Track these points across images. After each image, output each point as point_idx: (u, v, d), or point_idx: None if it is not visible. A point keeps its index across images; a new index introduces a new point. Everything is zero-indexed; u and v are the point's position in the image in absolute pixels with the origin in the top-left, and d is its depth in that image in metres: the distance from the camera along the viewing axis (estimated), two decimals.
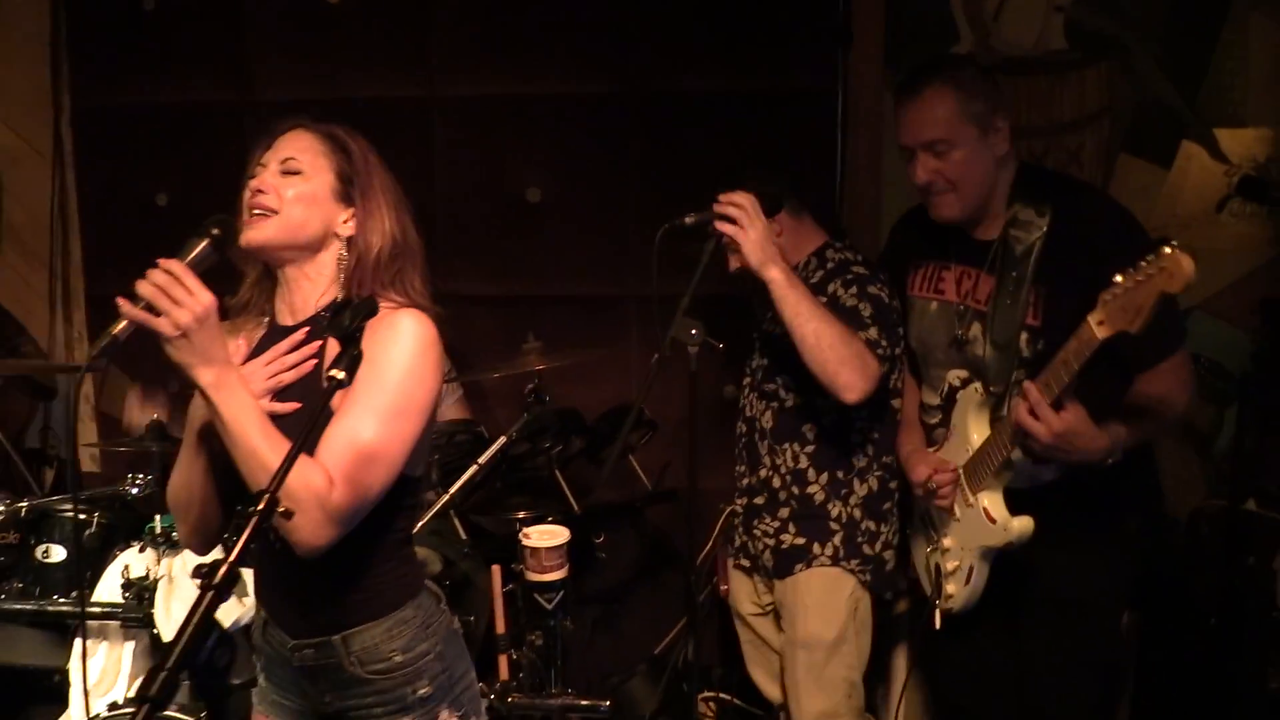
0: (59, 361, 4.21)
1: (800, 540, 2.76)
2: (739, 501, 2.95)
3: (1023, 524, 2.31)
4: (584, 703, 2.87)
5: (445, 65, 3.90)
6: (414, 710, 1.86)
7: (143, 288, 1.68)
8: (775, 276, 2.44)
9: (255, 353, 1.91)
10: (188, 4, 3.96)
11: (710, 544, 3.48)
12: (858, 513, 2.75)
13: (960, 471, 2.44)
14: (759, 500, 2.85)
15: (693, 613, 2.76)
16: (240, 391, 1.71)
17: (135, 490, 2.78)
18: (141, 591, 2.65)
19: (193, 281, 1.68)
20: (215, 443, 1.80)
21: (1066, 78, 3.60)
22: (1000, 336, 2.40)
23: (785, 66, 3.74)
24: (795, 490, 2.77)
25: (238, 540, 1.42)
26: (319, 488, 1.67)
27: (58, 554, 2.90)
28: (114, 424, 4.20)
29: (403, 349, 1.79)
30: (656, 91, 3.81)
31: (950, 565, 2.48)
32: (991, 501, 2.36)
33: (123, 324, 1.68)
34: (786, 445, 2.78)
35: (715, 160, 3.76)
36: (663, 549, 3.64)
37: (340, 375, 1.63)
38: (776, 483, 2.80)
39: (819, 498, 2.75)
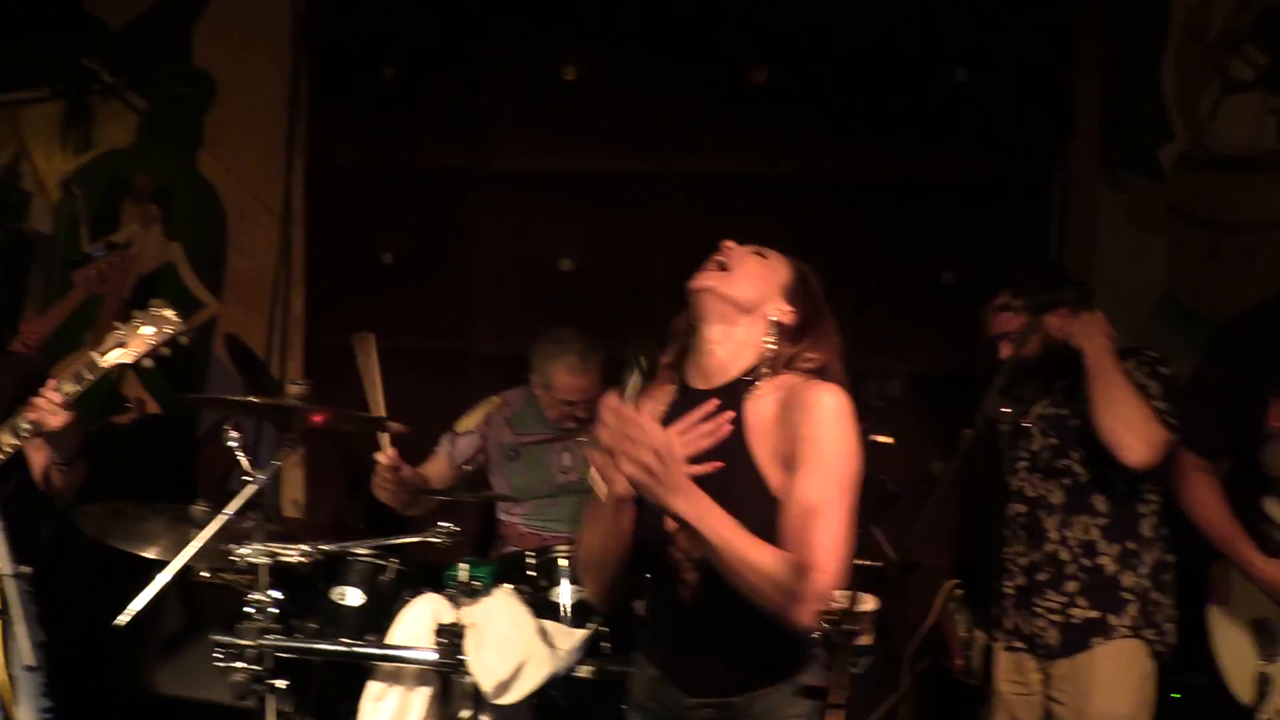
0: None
1: (1093, 613, 2.87)
2: (1012, 583, 3.03)
3: None
4: None
5: (668, 144, 4.08)
6: None
7: (604, 435, 1.80)
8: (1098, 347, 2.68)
9: (670, 415, 1.99)
10: (428, 74, 4.17)
11: (933, 618, 3.56)
12: (1147, 583, 2.88)
13: None
14: (1041, 576, 2.95)
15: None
16: (715, 511, 1.78)
17: (440, 539, 2.90)
18: (454, 638, 2.76)
19: (645, 421, 1.79)
20: (628, 511, 1.92)
21: (1278, 177, 3.76)
22: None
23: (1003, 157, 3.90)
24: (1085, 562, 2.89)
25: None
26: (822, 585, 1.73)
27: (353, 597, 3.01)
28: (325, 471, 4.35)
29: (841, 428, 1.88)
30: (873, 177, 3.98)
31: None
32: None
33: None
34: (1077, 518, 2.91)
35: (933, 243, 3.97)
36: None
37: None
38: (1065, 556, 2.92)
39: (1110, 569, 2.88)
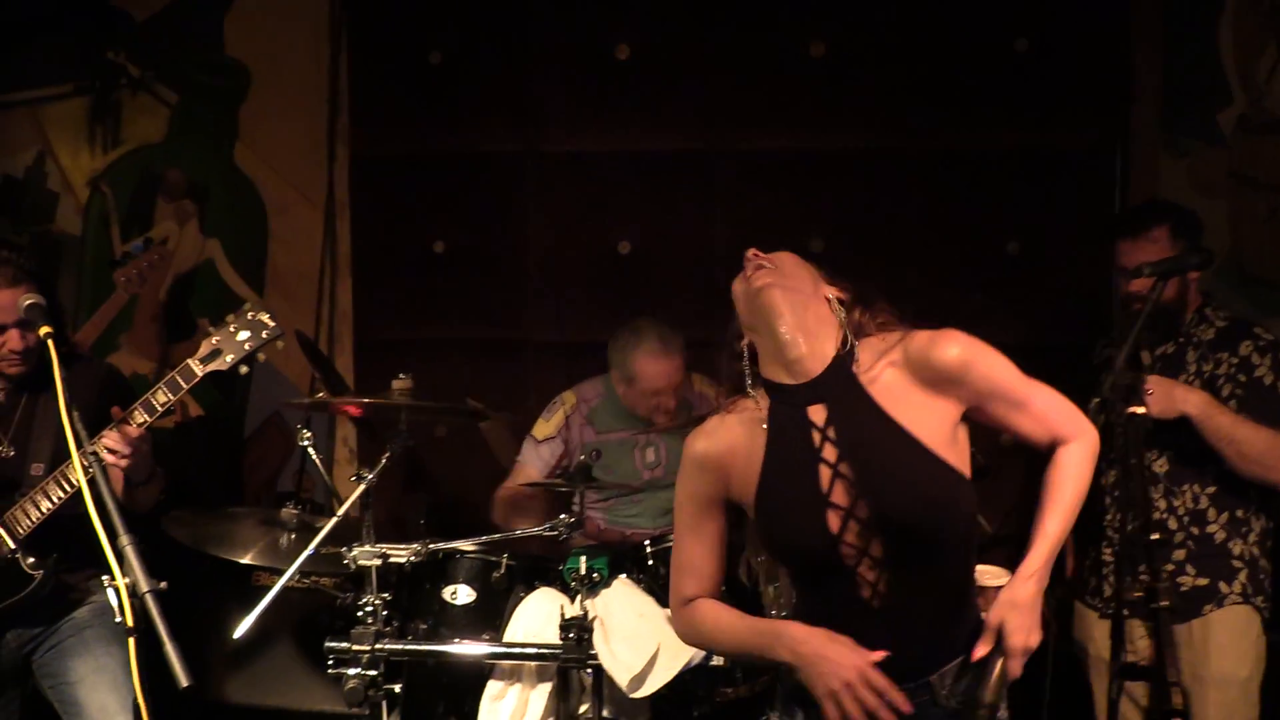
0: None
1: (1202, 580, 2.88)
2: (1112, 550, 3.01)
3: None
4: None
5: (727, 121, 4.03)
6: None
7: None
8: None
9: (776, 419, 1.93)
10: (476, 56, 4.07)
11: None
12: (1256, 550, 2.89)
13: None
14: (1147, 545, 2.95)
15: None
16: (1037, 564, 1.91)
17: (558, 533, 2.83)
18: (582, 632, 2.70)
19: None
20: None
21: None
22: None
23: (1064, 125, 3.91)
24: (1194, 531, 2.90)
25: None
26: (1092, 436, 1.97)
27: (464, 595, 2.94)
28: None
29: (978, 345, 1.92)
30: (936, 148, 3.96)
31: None
32: None
33: None
34: (1186, 487, 2.91)
35: (995, 213, 3.97)
36: None
37: None
38: (1173, 524, 2.92)
39: (1219, 537, 2.88)
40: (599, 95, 4.04)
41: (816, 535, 1.85)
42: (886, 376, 1.89)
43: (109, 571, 2.99)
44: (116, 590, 2.10)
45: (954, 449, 1.89)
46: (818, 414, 1.88)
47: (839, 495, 1.85)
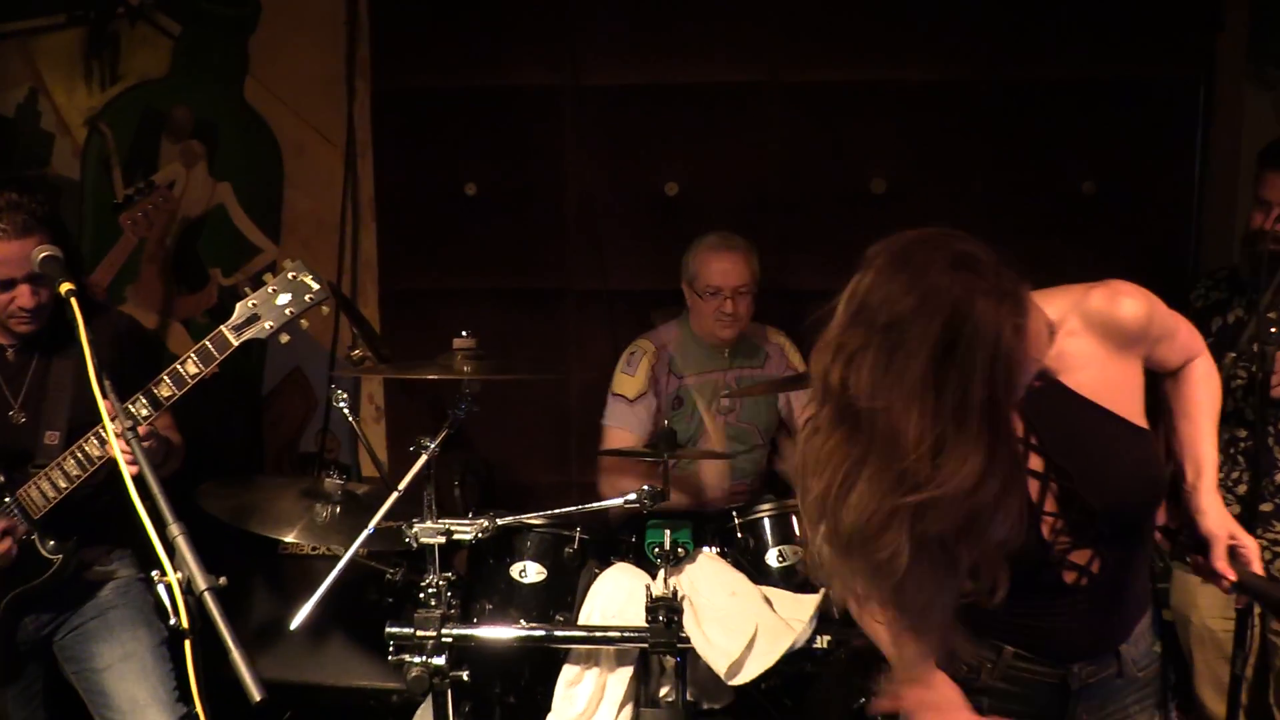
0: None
1: None
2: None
3: None
4: None
5: (785, 50, 3.74)
6: (1164, 697, 1.87)
7: None
8: None
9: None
10: None
11: None
12: None
13: None
14: (1266, 507, 2.77)
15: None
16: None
17: (641, 504, 2.57)
18: (672, 614, 2.46)
19: None
20: None
21: None
22: None
23: (1146, 55, 3.65)
24: None
25: None
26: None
27: (533, 573, 2.70)
28: (402, 424, 3.99)
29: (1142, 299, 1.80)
30: (1010, 79, 3.70)
31: None
32: None
33: None
34: None
35: (1069, 150, 3.72)
36: None
37: None
38: None
39: None
40: (643, 22, 3.73)
41: (1030, 547, 1.69)
42: (1071, 350, 1.70)
43: (143, 556, 2.72)
44: (169, 588, 1.85)
45: (1141, 405, 1.75)
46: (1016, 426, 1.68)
47: (1050, 503, 1.69)
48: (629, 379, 3.28)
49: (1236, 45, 3.63)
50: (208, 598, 1.81)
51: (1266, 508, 2.80)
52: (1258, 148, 3.58)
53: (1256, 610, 2.62)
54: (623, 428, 3.27)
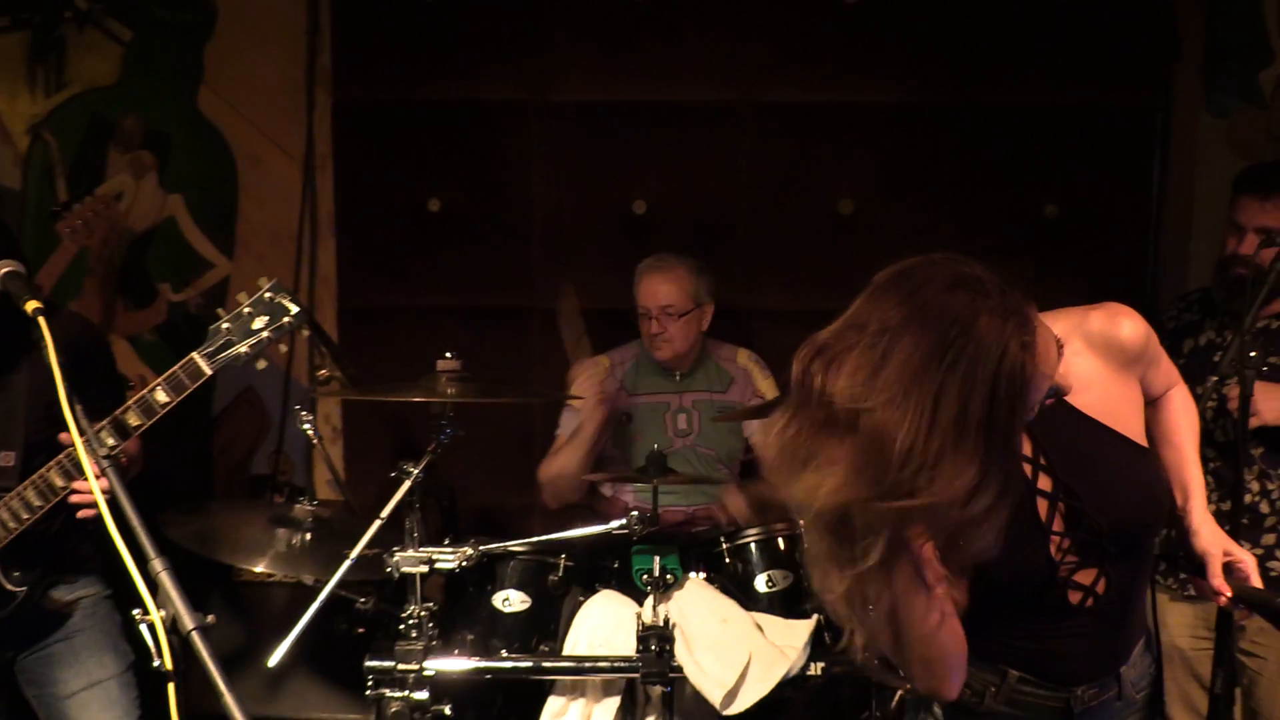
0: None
1: None
2: None
3: None
4: None
5: (755, 70, 3.73)
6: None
7: None
8: None
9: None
10: None
11: None
12: None
13: None
14: (1232, 527, 2.81)
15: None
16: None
17: (628, 530, 2.53)
18: (664, 642, 2.42)
19: None
20: None
21: None
22: None
23: (1104, 83, 3.71)
24: None
25: None
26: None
27: (518, 601, 2.64)
28: (361, 444, 3.89)
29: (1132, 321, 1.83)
30: (970, 103, 3.74)
31: None
32: None
33: None
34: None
35: (1032, 174, 3.77)
36: None
37: None
38: (1265, 508, 2.78)
39: None
40: (613, 38, 3.69)
41: (1038, 568, 1.70)
42: (1075, 371, 1.67)
43: (110, 573, 2.58)
44: (151, 627, 1.75)
45: (1142, 425, 1.78)
46: (1024, 446, 1.68)
47: (1058, 523, 1.70)
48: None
49: (1192, 74, 3.72)
50: (195, 638, 1.72)
51: (1233, 528, 2.83)
52: (1212, 173, 3.70)
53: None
54: (564, 432, 3.32)
